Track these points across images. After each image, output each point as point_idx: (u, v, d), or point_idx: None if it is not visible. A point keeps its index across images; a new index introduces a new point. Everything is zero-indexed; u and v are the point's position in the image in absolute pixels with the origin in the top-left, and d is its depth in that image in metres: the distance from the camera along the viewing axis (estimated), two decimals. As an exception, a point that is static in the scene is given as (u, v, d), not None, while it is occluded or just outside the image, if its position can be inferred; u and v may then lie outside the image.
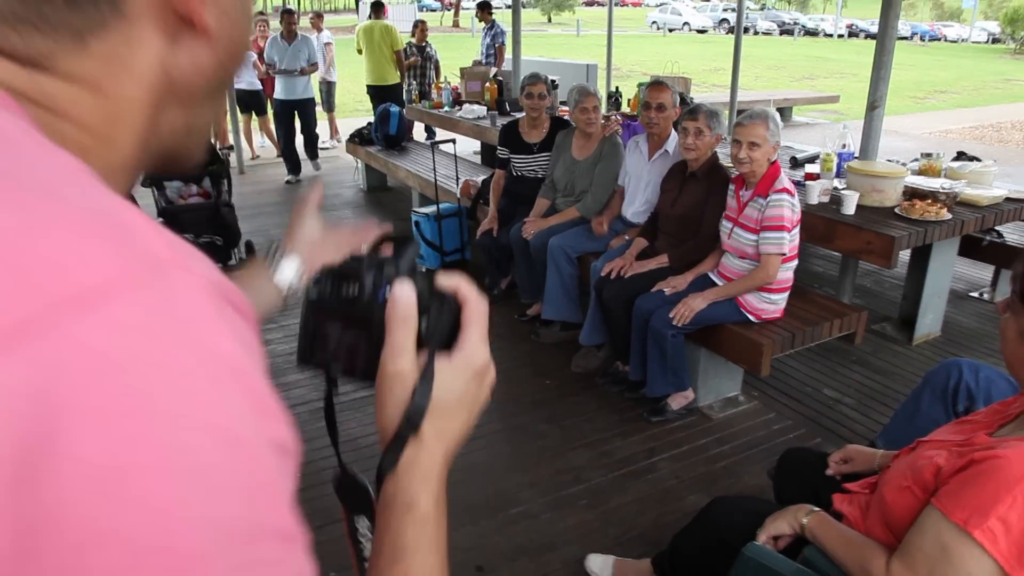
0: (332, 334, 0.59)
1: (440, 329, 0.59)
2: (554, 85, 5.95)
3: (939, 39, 40.75)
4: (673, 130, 3.80)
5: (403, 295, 0.56)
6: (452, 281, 0.60)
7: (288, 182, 8.09)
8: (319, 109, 9.43)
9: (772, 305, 3.21)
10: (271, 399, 0.37)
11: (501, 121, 6.27)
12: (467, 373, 0.59)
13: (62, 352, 0.29)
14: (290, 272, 0.91)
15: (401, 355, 0.57)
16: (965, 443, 1.47)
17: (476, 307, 0.60)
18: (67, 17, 0.39)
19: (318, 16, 10.22)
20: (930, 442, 1.61)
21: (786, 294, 3.24)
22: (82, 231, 0.33)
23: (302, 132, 8.16)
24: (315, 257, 0.92)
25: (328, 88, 9.84)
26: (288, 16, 7.78)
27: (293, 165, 8.08)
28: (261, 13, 11.99)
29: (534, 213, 4.29)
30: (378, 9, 8.94)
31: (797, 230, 3.15)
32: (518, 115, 6.53)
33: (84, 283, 0.31)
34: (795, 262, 3.21)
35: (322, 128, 10.28)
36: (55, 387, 0.29)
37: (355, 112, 13.22)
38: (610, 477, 2.97)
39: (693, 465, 3.06)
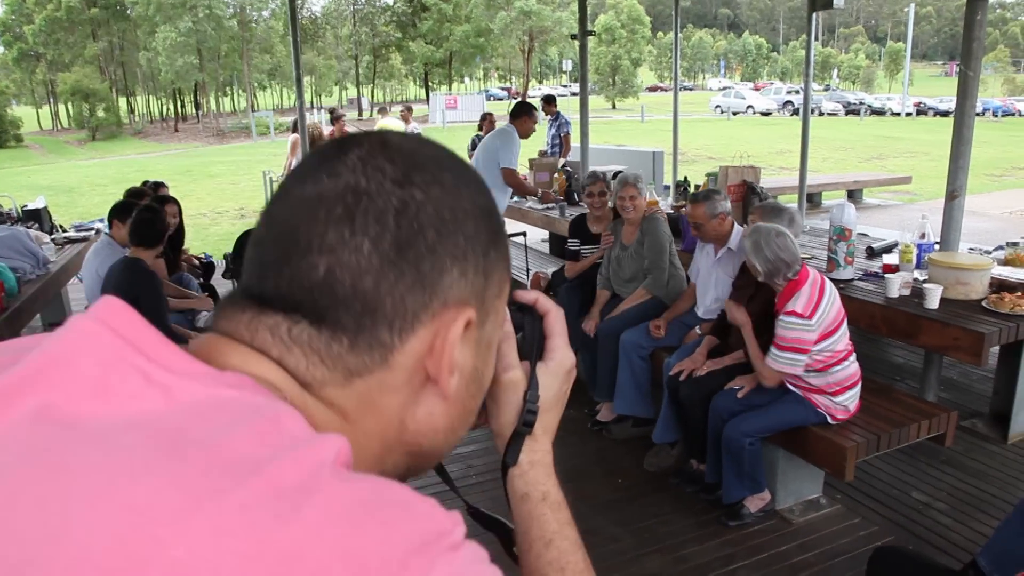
0: None
1: (536, 341, 0.69)
2: (613, 176, 6.05)
3: (1012, 114, 39.87)
4: (737, 226, 3.78)
5: (506, 315, 0.63)
6: (531, 296, 0.69)
7: None
8: None
9: (841, 407, 3.08)
10: None
11: (570, 212, 6.36)
12: (560, 375, 0.69)
13: None
14: None
15: (513, 367, 0.66)
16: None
17: (556, 316, 0.70)
18: (346, 358, 0.49)
19: (408, 109, 10.61)
20: None
21: (854, 391, 3.10)
22: (388, 514, 0.40)
23: None
24: None
25: None
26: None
27: None
28: (332, 110, 12.26)
29: (595, 307, 4.34)
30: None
31: (839, 332, 3.02)
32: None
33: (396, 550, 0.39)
34: (851, 358, 3.09)
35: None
36: None
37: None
38: (687, 586, 2.85)
39: (775, 573, 2.91)
